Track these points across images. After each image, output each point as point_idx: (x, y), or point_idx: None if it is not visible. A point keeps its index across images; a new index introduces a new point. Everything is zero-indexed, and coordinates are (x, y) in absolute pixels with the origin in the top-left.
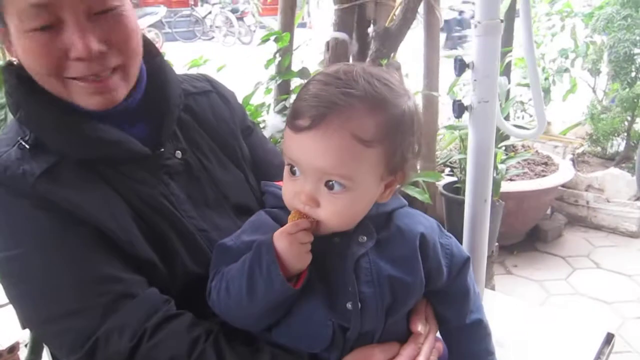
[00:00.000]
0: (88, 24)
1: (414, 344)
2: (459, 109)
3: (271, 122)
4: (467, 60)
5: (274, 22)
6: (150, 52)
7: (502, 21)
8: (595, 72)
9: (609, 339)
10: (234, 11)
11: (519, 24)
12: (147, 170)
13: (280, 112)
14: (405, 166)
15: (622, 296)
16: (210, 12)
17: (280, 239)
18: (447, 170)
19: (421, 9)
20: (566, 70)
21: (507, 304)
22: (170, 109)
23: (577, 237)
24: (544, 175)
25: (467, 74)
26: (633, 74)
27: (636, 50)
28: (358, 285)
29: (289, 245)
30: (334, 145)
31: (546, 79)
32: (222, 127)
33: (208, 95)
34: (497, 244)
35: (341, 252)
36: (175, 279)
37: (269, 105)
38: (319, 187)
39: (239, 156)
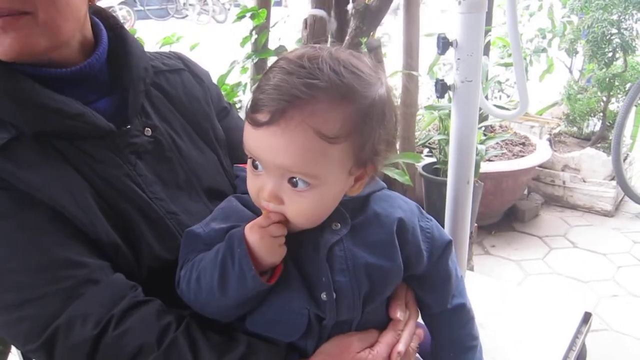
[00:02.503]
0: None
1: (393, 331)
2: (442, 88)
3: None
4: (450, 38)
5: (249, 1)
6: (112, 24)
7: None
8: (572, 52)
9: (587, 318)
10: None
11: (497, 2)
12: (111, 149)
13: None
14: (375, 158)
15: (598, 275)
16: None
17: (252, 233)
18: (426, 151)
19: None
20: (543, 50)
21: (486, 285)
22: (134, 80)
23: (553, 217)
24: (522, 156)
25: (449, 53)
26: (610, 54)
27: (613, 31)
28: (332, 274)
29: (260, 239)
30: (296, 143)
31: (524, 58)
32: (195, 106)
33: (180, 73)
34: (475, 224)
35: (314, 240)
36: (141, 265)
37: (245, 85)
38: (282, 183)
39: (212, 137)
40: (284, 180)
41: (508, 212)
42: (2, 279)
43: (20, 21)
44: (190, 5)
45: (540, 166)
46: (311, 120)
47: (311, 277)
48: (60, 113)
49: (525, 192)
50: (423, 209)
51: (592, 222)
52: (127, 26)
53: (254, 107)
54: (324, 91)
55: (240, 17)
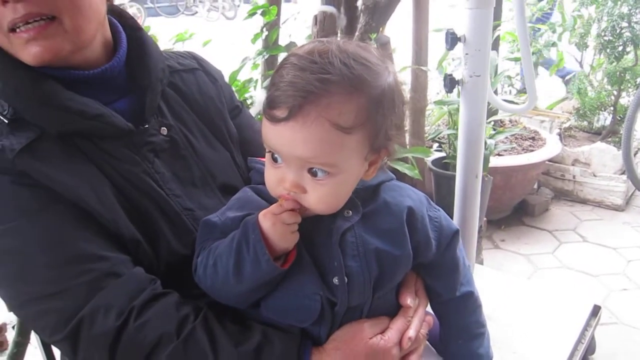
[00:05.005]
0: None
1: (404, 318)
2: (450, 83)
3: (259, 98)
4: (458, 33)
5: None
6: (131, 25)
7: None
8: (582, 46)
9: (596, 311)
10: None
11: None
12: (130, 147)
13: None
14: (388, 143)
15: (608, 269)
16: None
17: (265, 219)
18: (436, 145)
19: None
20: (553, 44)
21: (495, 278)
22: (152, 82)
23: (563, 211)
24: (531, 150)
25: (458, 48)
26: (620, 48)
27: (623, 24)
28: (344, 259)
29: (272, 226)
30: (314, 136)
31: (534, 53)
32: (209, 105)
33: (194, 72)
34: (485, 218)
35: (327, 227)
36: (160, 259)
37: (257, 81)
38: (302, 174)
39: (225, 135)
40: (304, 171)
41: (518, 207)
42: (29, 272)
43: (48, 29)
44: (200, 2)
45: (550, 160)
46: (327, 113)
47: (323, 263)
48: (82, 114)
49: (535, 186)
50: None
51: (603, 217)
52: None
53: (271, 104)
54: (337, 84)
55: (252, 14)
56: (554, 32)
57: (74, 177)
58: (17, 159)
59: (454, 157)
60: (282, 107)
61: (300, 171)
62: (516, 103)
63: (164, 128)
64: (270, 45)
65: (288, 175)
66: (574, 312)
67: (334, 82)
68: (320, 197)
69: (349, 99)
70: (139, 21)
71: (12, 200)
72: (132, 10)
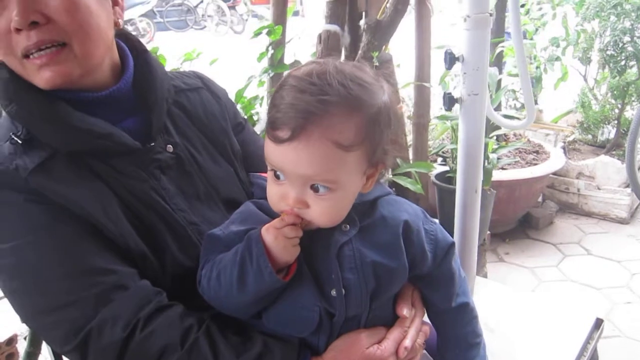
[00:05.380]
0: None
1: (400, 328)
2: (449, 101)
3: (265, 115)
4: (456, 53)
5: (267, 11)
6: (137, 48)
7: (491, 14)
8: (585, 60)
9: (598, 323)
10: (225, 0)
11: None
12: (137, 165)
13: None
14: (385, 158)
15: (612, 282)
16: (202, 1)
17: (267, 233)
18: (440, 160)
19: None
20: (557, 58)
21: (499, 291)
22: (158, 102)
23: (568, 224)
24: (535, 164)
25: (458, 66)
26: (623, 62)
27: (626, 39)
28: (342, 272)
29: (275, 239)
30: (316, 154)
31: (537, 67)
32: (213, 122)
33: (199, 91)
34: (489, 232)
35: (325, 241)
36: (166, 272)
37: (262, 98)
38: (305, 190)
39: (229, 151)
40: (307, 187)
41: (522, 220)
42: (41, 285)
43: (60, 55)
44: (208, 16)
45: (554, 174)
46: (328, 132)
47: (322, 276)
48: (91, 133)
49: (540, 199)
50: (436, 217)
51: (607, 230)
52: (147, 38)
53: (274, 125)
54: (336, 105)
55: (257, 33)
56: (557, 46)
57: (83, 194)
58: (30, 177)
59: (456, 171)
60: (285, 128)
61: (303, 187)
62: (518, 118)
63: (170, 145)
64: (276, 63)
65: (291, 192)
66: (576, 325)
67: (333, 103)
68: (322, 211)
69: (348, 118)
70: (148, 36)
71: (25, 217)
72: (142, 24)
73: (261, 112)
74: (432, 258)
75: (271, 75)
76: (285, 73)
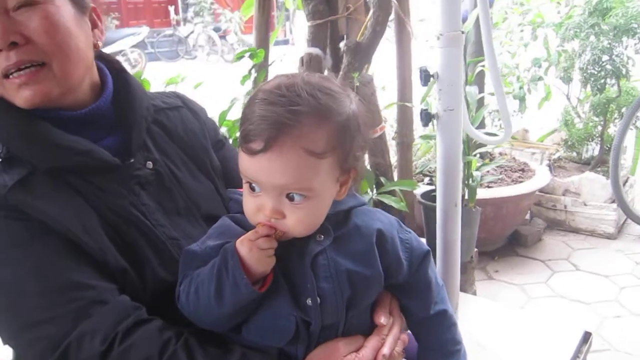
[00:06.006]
0: (7, 19)
1: (378, 336)
2: (426, 117)
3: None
4: (431, 71)
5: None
6: (116, 68)
7: (463, 32)
8: (567, 79)
9: (587, 337)
10: (216, 30)
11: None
12: (117, 181)
13: None
14: (357, 164)
15: (601, 296)
16: (192, 32)
17: (242, 245)
18: (427, 179)
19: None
20: (540, 78)
21: (488, 308)
22: (138, 119)
23: (556, 241)
24: (520, 181)
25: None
26: (603, 80)
27: (605, 57)
28: (317, 281)
29: (249, 252)
30: (290, 164)
31: (521, 87)
32: (193, 140)
33: (179, 110)
34: (476, 249)
35: (300, 251)
36: (146, 287)
37: None
38: (281, 200)
39: (209, 168)
40: (282, 197)
41: (511, 238)
42: (20, 301)
43: (39, 75)
44: (199, 46)
45: (541, 191)
46: (300, 141)
47: (297, 285)
48: (71, 150)
49: (528, 217)
50: (423, 236)
51: (595, 245)
52: (138, 68)
53: (246, 138)
54: (307, 115)
55: (240, 57)
56: (539, 66)
57: (63, 210)
58: (9, 194)
59: None
60: (258, 140)
61: (279, 197)
62: (497, 135)
63: (150, 162)
64: (259, 86)
65: (267, 203)
66: (564, 340)
67: (304, 113)
68: (299, 220)
69: (319, 127)
70: (139, 66)
71: (4, 233)
72: (134, 55)
73: None
74: (408, 266)
75: None
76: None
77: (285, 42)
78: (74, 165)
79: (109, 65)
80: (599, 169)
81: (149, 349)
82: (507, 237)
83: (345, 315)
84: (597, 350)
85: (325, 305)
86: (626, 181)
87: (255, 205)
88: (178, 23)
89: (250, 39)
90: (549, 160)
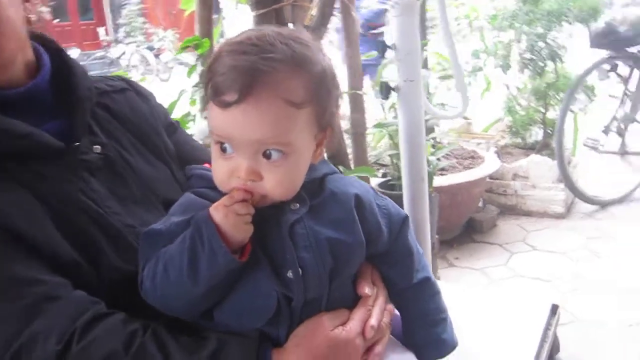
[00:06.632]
0: None
1: (364, 307)
2: (386, 89)
3: (199, 128)
4: (388, 41)
5: (192, 58)
6: (53, 47)
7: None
8: (506, 67)
9: (554, 310)
10: (149, 49)
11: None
12: (63, 167)
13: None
14: (332, 121)
15: (559, 272)
16: (124, 52)
17: (217, 212)
18: (381, 172)
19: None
20: (480, 69)
21: (452, 291)
22: (80, 99)
23: (510, 225)
24: (472, 168)
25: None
26: (542, 64)
27: (540, 44)
28: (296, 251)
29: (225, 218)
30: (268, 114)
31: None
32: (143, 123)
33: (125, 93)
34: (437, 236)
35: (276, 221)
36: (102, 280)
37: (195, 116)
38: (257, 159)
39: (163, 152)
40: (259, 155)
41: (467, 225)
42: None
43: None
44: (133, 67)
45: (491, 178)
46: (278, 90)
47: (276, 258)
48: (9, 134)
49: (481, 204)
50: None
51: (548, 225)
52: None
53: (218, 91)
54: (282, 62)
55: (185, 47)
56: (478, 58)
57: (4, 201)
58: None
59: (399, 178)
60: (231, 91)
61: (255, 156)
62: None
63: (97, 146)
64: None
65: (242, 164)
66: (534, 314)
67: (279, 60)
68: (277, 181)
69: (296, 75)
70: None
71: None
72: None
73: (195, 126)
74: (388, 233)
75: (203, 92)
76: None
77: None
78: (13, 150)
79: (44, 44)
80: (543, 152)
81: (113, 343)
82: (463, 225)
83: (329, 288)
84: (562, 323)
85: (307, 277)
86: (569, 162)
87: (227, 169)
88: (109, 44)
89: (186, 57)
90: (496, 147)
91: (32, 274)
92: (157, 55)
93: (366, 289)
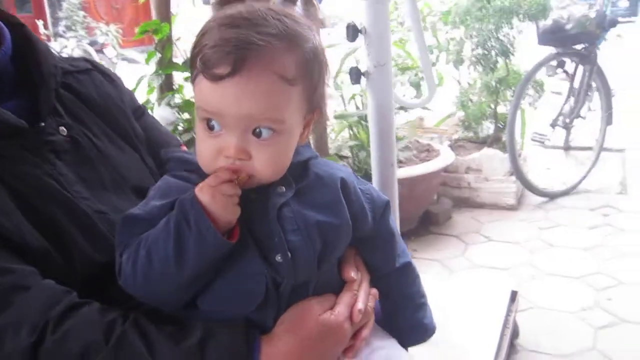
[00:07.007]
0: None
1: (350, 292)
2: (356, 75)
3: (160, 114)
4: (359, 26)
5: (137, 54)
6: (13, 22)
7: None
8: (459, 62)
9: (513, 296)
10: (92, 44)
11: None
12: (27, 148)
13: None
14: (322, 103)
15: (515, 261)
16: (65, 47)
17: (203, 193)
18: (342, 162)
19: None
20: (433, 64)
21: None
22: (44, 77)
23: (464, 217)
24: (428, 160)
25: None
26: (493, 59)
27: (492, 39)
28: (285, 235)
29: (212, 198)
30: (261, 89)
31: (416, 75)
32: (109, 104)
33: (89, 73)
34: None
35: (262, 205)
36: (74, 269)
37: (154, 105)
38: (247, 137)
39: (131, 135)
40: (248, 133)
41: (423, 217)
42: None
43: None
44: None
45: (445, 171)
46: (272, 64)
47: (264, 242)
48: None
49: (435, 197)
50: None
51: (501, 217)
52: None
53: (209, 63)
54: (276, 37)
55: (143, 31)
56: (431, 53)
57: None
58: None
59: (360, 170)
60: (223, 64)
61: (244, 134)
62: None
63: (63, 128)
64: (166, 63)
65: (230, 141)
66: (494, 302)
67: (273, 35)
68: (267, 160)
69: (289, 50)
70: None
71: None
72: None
73: (156, 113)
74: (372, 217)
75: (161, 80)
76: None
77: None
78: None
79: (3, 18)
80: (494, 146)
81: (91, 334)
82: (420, 217)
83: (317, 272)
84: (521, 310)
85: (297, 260)
86: (519, 156)
87: (214, 148)
88: (49, 38)
89: (130, 53)
90: (450, 140)
91: (0, 262)
92: (99, 51)
93: (352, 273)
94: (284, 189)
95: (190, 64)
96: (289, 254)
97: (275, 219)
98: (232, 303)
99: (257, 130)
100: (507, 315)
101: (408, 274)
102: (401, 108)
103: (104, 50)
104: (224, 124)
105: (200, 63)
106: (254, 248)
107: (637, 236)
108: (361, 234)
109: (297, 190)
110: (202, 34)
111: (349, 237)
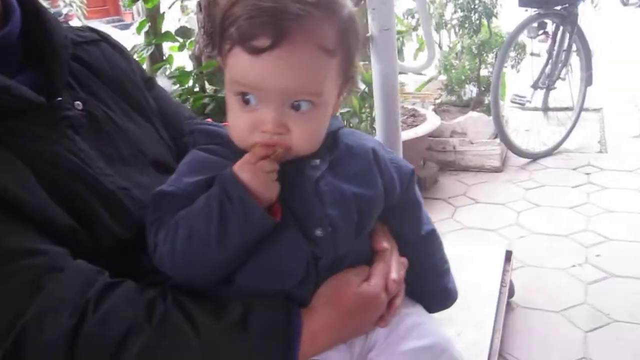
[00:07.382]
0: None
1: (383, 262)
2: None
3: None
4: None
5: (102, 25)
6: None
7: None
8: (441, 26)
9: (508, 256)
10: (57, 15)
11: None
12: (45, 124)
13: (162, 74)
14: (355, 72)
15: (503, 222)
16: None
17: (243, 171)
18: None
19: None
20: (415, 28)
21: None
22: (57, 49)
23: (451, 180)
24: (415, 125)
25: None
26: (477, 22)
27: (475, 2)
28: (324, 208)
29: (253, 175)
30: (303, 61)
31: (398, 39)
32: (121, 76)
33: (98, 44)
34: None
35: (298, 178)
36: (101, 247)
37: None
38: (285, 111)
39: (145, 108)
40: (287, 107)
41: None
42: None
43: None
44: None
45: (431, 135)
46: (313, 36)
47: (302, 217)
48: None
49: (422, 162)
50: None
51: (486, 179)
52: None
53: (246, 35)
54: (315, 6)
55: (134, 1)
56: (413, 17)
57: None
58: None
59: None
60: (263, 36)
61: (283, 107)
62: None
63: (78, 102)
64: (158, 33)
65: (268, 115)
66: (490, 262)
67: (312, 4)
68: (305, 133)
69: (328, 21)
70: None
71: None
72: None
73: None
74: (400, 186)
75: (150, 51)
76: (169, 45)
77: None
78: None
79: None
80: (477, 109)
81: (132, 313)
82: None
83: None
84: (513, 268)
85: (337, 233)
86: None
87: (250, 122)
88: None
89: (96, 25)
90: (434, 105)
91: (31, 244)
92: (65, 23)
93: (384, 243)
94: (318, 161)
95: (219, 35)
96: (330, 228)
97: (314, 192)
98: (272, 279)
99: (296, 103)
100: (504, 274)
101: (433, 241)
102: None
103: (69, 21)
104: (260, 98)
105: (236, 35)
106: (294, 223)
107: (620, 193)
108: (390, 204)
109: (330, 162)
110: (233, 4)
111: (381, 207)
